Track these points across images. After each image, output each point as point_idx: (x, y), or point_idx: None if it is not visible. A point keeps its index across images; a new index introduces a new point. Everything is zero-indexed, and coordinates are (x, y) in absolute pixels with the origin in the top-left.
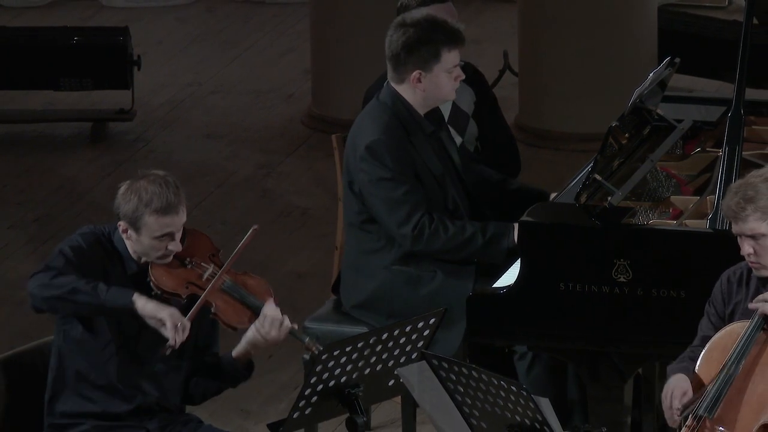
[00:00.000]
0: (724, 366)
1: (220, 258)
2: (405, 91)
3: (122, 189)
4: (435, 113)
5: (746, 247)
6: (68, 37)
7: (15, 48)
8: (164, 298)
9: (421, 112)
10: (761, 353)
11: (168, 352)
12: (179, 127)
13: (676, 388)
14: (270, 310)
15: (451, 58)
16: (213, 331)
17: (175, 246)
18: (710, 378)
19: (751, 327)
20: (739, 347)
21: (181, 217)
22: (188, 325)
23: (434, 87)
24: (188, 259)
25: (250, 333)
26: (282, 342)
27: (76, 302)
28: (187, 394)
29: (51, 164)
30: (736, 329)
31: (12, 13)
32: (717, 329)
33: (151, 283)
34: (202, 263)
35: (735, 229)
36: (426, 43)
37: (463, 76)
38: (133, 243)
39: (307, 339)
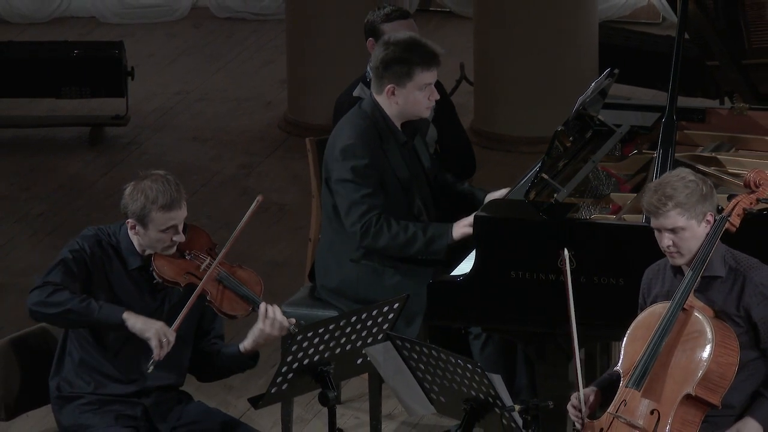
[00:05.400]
0: (648, 343)
1: (216, 252)
2: (383, 101)
3: (128, 190)
4: (411, 125)
5: (665, 240)
6: (68, 50)
7: (20, 60)
8: (165, 285)
9: (397, 123)
10: (682, 330)
11: (151, 367)
12: (169, 131)
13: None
14: (272, 312)
15: (424, 77)
16: (215, 317)
17: (179, 237)
18: (636, 354)
19: (673, 306)
20: (662, 325)
21: (183, 211)
22: (173, 337)
23: (407, 102)
24: (187, 252)
25: (256, 331)
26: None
27: (69, 320)
28: (202, 371)
29: (54, 164)
30: (658, 309)
31: (17, 29)
32: None
33: (154, 273)
34: (200, 255)
35: (655, 223)
36: (400, 62)
37: (437, 97)
38: (140, 237)
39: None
